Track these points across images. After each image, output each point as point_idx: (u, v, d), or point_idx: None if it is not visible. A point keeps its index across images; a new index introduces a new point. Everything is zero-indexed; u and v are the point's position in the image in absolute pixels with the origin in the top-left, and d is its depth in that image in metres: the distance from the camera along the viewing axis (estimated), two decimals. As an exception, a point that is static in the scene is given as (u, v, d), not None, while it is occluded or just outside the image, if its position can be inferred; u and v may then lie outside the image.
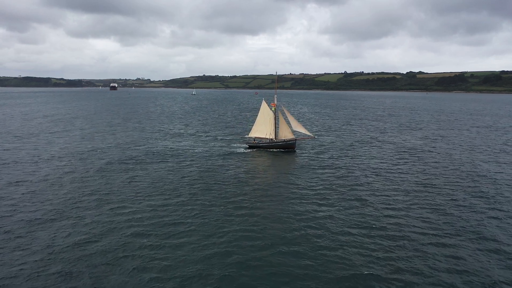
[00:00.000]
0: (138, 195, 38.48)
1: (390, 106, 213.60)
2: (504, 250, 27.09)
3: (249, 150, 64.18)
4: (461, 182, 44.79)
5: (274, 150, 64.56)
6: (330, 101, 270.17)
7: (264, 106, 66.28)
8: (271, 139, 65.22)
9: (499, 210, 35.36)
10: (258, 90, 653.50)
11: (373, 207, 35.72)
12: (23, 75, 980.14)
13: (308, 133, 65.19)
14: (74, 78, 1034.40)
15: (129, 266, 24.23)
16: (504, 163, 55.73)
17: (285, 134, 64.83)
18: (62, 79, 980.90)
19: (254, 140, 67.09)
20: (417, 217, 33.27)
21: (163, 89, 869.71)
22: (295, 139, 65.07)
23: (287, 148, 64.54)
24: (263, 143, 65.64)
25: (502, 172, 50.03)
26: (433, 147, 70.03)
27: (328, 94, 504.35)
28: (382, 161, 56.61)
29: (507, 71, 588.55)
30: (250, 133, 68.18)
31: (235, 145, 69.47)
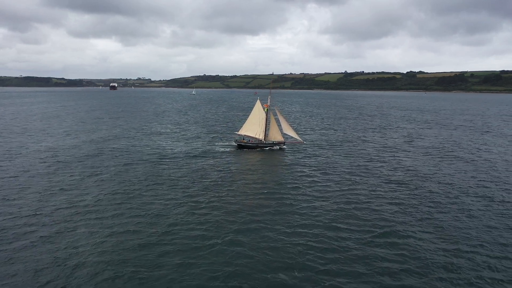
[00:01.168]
0: (100, 191, 39.00)
1: (385, 105, 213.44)
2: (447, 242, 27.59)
3: (230, 149, 63.96)
4: (428, 180, 45.22)
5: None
6: (327, 101, 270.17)
7: (258, 106, 66.33)
8: (260, 140, 65.40)
9: (464, 203, 35.81)
10: (258, 90, 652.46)
11: (331, 202, 36.14)
12: (24, 75, 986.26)
13: (297, 138, 65.06)
14: (75, 78, 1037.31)
15: (64, 255, 24.82)
16: (478, 160, 56.07)
17: (275, 136, 65.29)
18: (63, 79, 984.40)
19: (243, 139, 66.78)
20: (376, 210, 33.67)
21: (163, 89, 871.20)
22: (284, 142, 65.56)
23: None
24: (252, 143, 65.27)
25: (475, 170, 50.40)
26: (411, 145, 70.39)
27: (327, 94, 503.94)
28: (357, 159, 57.04)
29: (507, 70, 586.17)
30: (240, 130, 68.31)
31: (218, 143, 69.71)
